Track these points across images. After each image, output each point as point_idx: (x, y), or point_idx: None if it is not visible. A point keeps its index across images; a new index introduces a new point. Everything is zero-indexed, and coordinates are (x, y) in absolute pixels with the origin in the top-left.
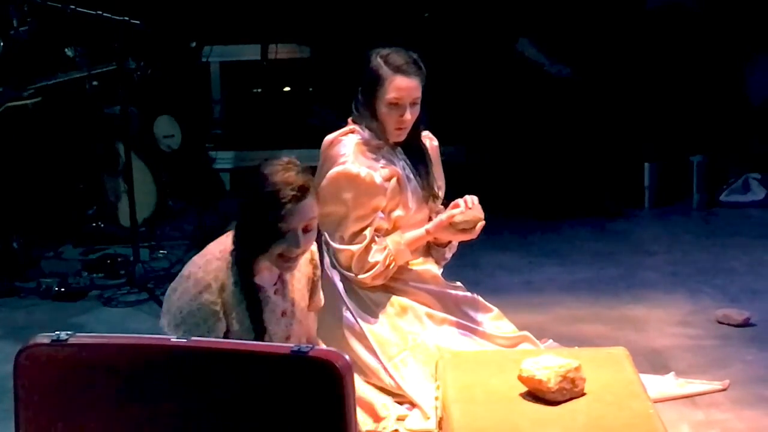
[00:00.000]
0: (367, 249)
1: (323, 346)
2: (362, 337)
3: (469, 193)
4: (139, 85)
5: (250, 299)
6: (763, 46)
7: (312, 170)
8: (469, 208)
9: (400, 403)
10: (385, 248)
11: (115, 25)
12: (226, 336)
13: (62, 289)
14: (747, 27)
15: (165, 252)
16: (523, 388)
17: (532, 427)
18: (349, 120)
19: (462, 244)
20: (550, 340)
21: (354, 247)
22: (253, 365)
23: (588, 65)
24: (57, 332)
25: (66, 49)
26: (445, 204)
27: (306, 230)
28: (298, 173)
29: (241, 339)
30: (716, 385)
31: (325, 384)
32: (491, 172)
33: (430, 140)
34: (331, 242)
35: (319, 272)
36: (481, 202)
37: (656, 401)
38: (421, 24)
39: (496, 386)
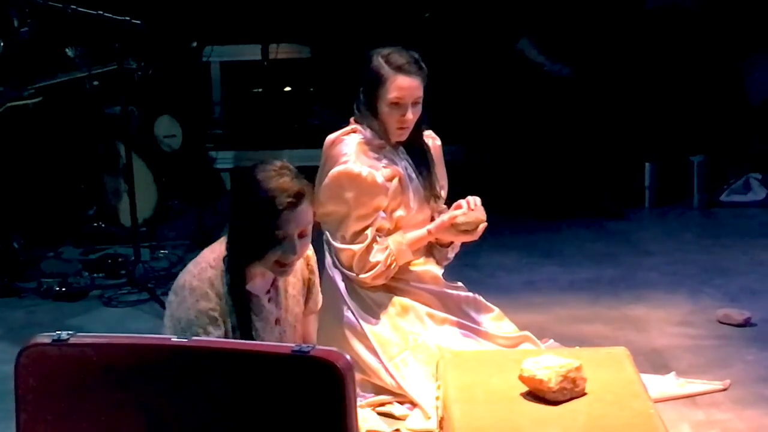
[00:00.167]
0: (368, 249)
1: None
2: (363, 337)
3: (470, 193)
4: (140, 85)
5: (240, 308)
6: (762, 46)
7: (312, 170)
8: (471, 210)
9: (401, 403)
10: (386, 248)
11: (115, 25)
12: None
13: (63, 289)
14: (746, 27)
15: (165, 252)
16: (524, 388)
17: (533, 426)
18: (351, 120)
19: (463, 244)
20: (551, 340)
21: (355, 247)
22: (253, 365)
23: (588, 65)
24: (58, 332)
25: (66, 49)
26: (448, 205)
27: (301, 236)
28: (293, 179)
29: None
30: (717, 384)
31: (326, 384)
32: (491, 172)
33: (432, 140)
34: (333, 242)
35: (315, 276)
36: (481, 202)
37: (657, 401)
38: (421, 24)
39: (497, 386)
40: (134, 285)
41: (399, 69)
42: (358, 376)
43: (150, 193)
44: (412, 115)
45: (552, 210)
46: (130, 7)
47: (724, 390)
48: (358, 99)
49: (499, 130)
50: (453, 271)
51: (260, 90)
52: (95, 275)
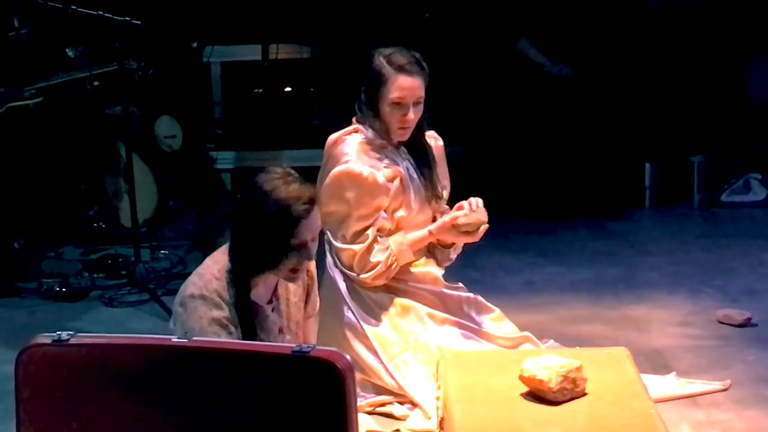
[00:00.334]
0: (369, 249)
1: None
2: (364, 337)
3: (470, 194)
4: (140, 86)
5: (245, 320)
6: (763, 46)
7: (313, 171)
8: (473, 211)
9: (402, 403)
10: (387, 248)
11: (116, 26)
12: None
13: (63, 290)
14: (746, 27)
15: (166, 252)
16: (524, 388)
17: (533, 427)
18: (353, 120)
19: (464, 245)
20: (551, 341)
21: (356, 247)
22: (253, 365)
23: (589, 65)
24: (58, 332)
25: (67, 50)
26: (450, 205)
27: (313, 240)
28: (301, 184)
29: None
30: (717, 385)
31: (326, 384)
32: (492, 173)
33: (435, 140)
34: (334, 241)
35: (315, 280)
36: (483, 203)
37: (657, 401)
38: (421, 24)
39: (497, 386)
40: (135, 285)
41: (400, 69)
42: (358, 376)
43: (150, 194)
44: (413, 115)
45: (552, 210)
46: (131, 7)
47: (725, 390)
48: (360, 99)
49: (499, 130)
50: (453, 272)
51: (260, 90)
52: (96, 275)
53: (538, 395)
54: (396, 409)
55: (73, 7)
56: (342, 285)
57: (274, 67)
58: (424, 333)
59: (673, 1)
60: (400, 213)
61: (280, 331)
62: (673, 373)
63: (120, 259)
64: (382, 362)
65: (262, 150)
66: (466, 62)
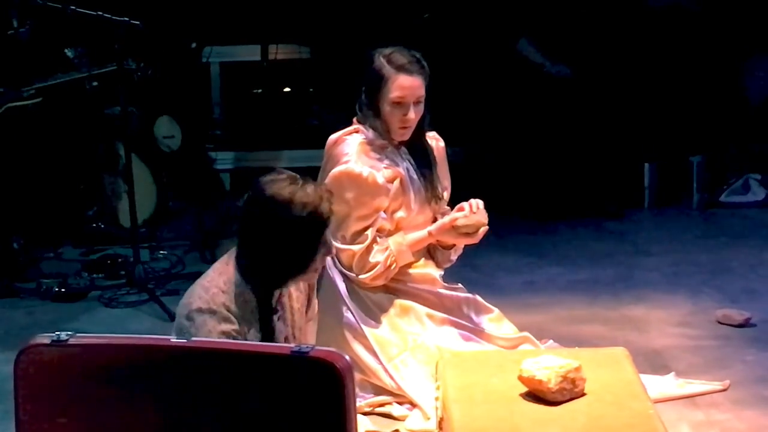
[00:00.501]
0: (368, 249)
1: None
2: (363, 338)
3: (469, 194)
4: (139, 86)
5: (267, 333)
6: (762, 46)
7: (312, 171)
8: (473, 213)
9: (401, 404)
10: (386, 249)
11: (115, 26)
12: None
13: (62, 290)
14: (746, 27)
15: (165, 252)
16: (524, 389)
17: (533, 427)
18: (354, 120)
19: (464, 246)
20: (550, 341)
21: (355, 247)
22: (253, 365)
23: (588, 65)
24: (57, 333)
25: (66, 50)
26: (452, 207)
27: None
28: (310, 183)
29: None
30: (716, 385)
31: (325, 384)
32: (491, 173)
33: (436, 141)
34: (333, 242)
35: (315, 286)
36: (483, 205)
37: (656, 401)
38: (420, 24)
39: (497, 386)
40: (134, 286)
41: (400, 68)
42: (357, 376)
43: (149, 194)
44: (414, 114)
45: (551, 210)
46: (130, 7)
47: (724, 390)
48: (360, 99)
49: (499, 131)
50: (452, 272)
51: (260, 90)
52: (95, 276)
53: (537, 395)
54: (395, 409)
55: (72, 7)
56: (341, 285)
57: (274, 68)
58: (423, 333)
59: (673, 1)
60: (400, 214)
61: (286, 340)
62: (672, 373)
63: (119, 260)
64: (381, 363)
65: (262, 150)
66: (465, 63)
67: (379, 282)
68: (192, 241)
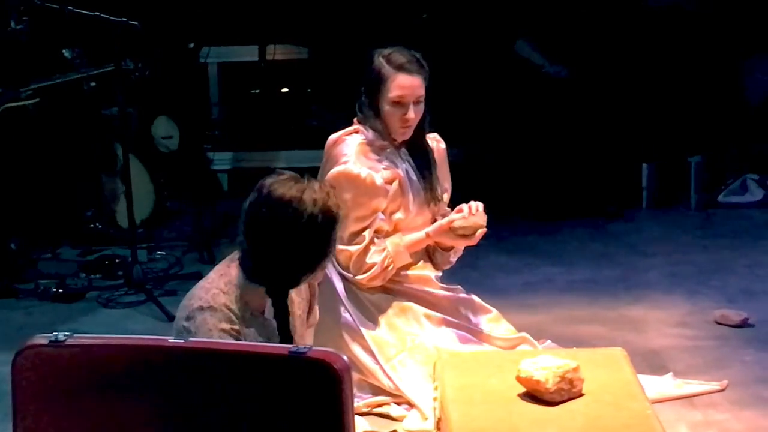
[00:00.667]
0: (365, 250)
1: None
2: (360, 338)
3: (467, 195)
4: (137, 86)
5: (285, 335)
6: (761, 46)
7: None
8: (472, 215)
9: (399, 404)
10: (383, 250)
11: (112, 26)
12: None
13: (60, 290)
14: (745, 27)
15: (163, 253)
16: (521, 389)
17: (531, 427)
18: (354, 120)
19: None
20: (549, 341)
21: (353, 248)
22: (251, 366)
23: (586, 66)
24: (55, 333)
25: (64, 50)
26: (452, 208)
27: None
28: (314, 181)
29: None
30: (714, 385)
31: (323, 385)
32: (489, 173)
33: (437, 143)
34: None
35: (316, 293)
36: (483, 207)
37: (654, 402)
38: (419, 25)
39: (495, 387)
40: (131, 286)
41: (400, 67)
42: (355, 376)
43: (147, 194)
44: (414, 114)
45: (550, 211)
46: (127, 7)
47: (722, 391)
48: (360, 99)
49: (497, 131)
50: (451, 272)
51: (258, 91)
52: (92, 276)
53: (535, 396)
54: (393, 409)
55: (69, 7)
56: (339, 286)
57: (272, 68)
58: (422, 334)
59: (672, 1)
60: (398, 215)
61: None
62: (671, 373)
63: (117, 260)
64: (378, 363)
65: (260, 151)
66: (463, 63)
67: (377, 283)
68: (190, 242)
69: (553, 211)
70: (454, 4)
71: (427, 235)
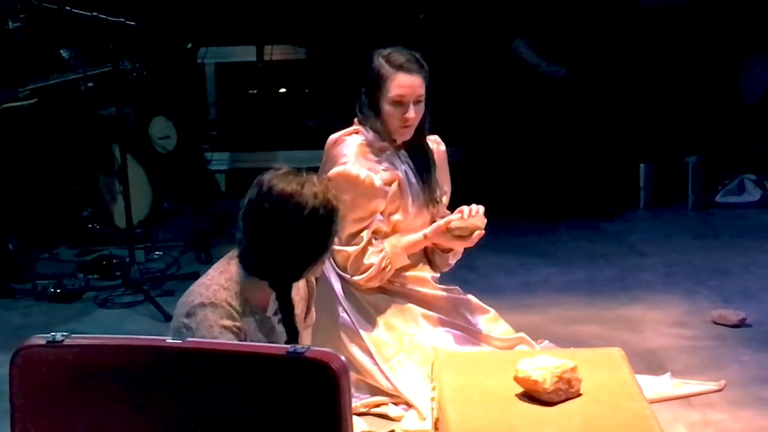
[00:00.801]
0: (363, 251)
1: None
2: (358, 338)
3: (466, 195)
4: (135, 87)
5: (292, 331)
6: (758, 46)
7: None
8: (471, 216)
9: (397, 404)
10: (381, 251)
11: (110, 27)
12: None
13: (58, 291)
14: (741, 27)
15: (160, 253)
16: (519, 389)
17: (528, 427)
18: (354, 120)
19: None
20: (546, 341)
21: (350, 249)
22: (249, 366)
23: (583, 66)
24: (52, 333)
25: (61, 51)
26: (452, 210)
27: None
28: (312, 174)
29: None
30: (712, 385)
31: (321, 385)
32: (487, 173)
33: (437, 145)
34: None
35: (314, 293)
36: (476, 203)
37: (652, 402)
38: (416, 25)
39: (492, 387)
40: (129, 286)
41: (399, 67)
42: (353, 376)
43: (145, 195)
44: (414, 114)
45: (547, 211)
46: (125, 8)
47: (720, 391)
48: (360, 100)
49: (495, 131)
50: (449, 273)
51: (255, 91)
52: (90, 276)
53: (532, 396)
54: (391, 409)
55: (67, 8)
56: (337, 286)
57: (269, 68)
58: (419, 334)
59: (669, 1)
60: (397, 216)
61: (286, 343)
62: (668, 373)
63: (114, 260)
64: (376, 363)
65: (257, 151)
66: (461, 63)
67: (374, 284)
68: (187, 242)
69: (551, 211)
70: (452, 5)
71: (425, 236)
